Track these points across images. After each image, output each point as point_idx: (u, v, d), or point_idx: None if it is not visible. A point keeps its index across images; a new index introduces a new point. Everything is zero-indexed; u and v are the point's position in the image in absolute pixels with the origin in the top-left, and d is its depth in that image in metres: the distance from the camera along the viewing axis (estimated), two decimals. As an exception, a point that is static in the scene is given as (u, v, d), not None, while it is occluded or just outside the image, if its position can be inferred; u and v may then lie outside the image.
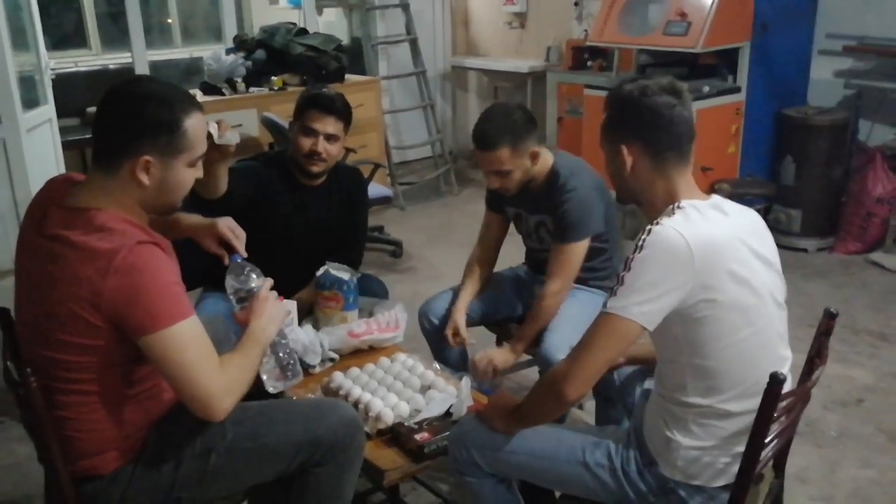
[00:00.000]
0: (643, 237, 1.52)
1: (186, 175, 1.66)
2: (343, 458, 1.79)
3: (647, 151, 1.61)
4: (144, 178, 1.58)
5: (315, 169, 2.54)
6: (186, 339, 1.53)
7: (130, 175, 1.57)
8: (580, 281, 2.50)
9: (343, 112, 2.55)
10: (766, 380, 1.45)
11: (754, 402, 1.48)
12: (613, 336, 1.54)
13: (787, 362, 1.66)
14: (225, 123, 2.06)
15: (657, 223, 1.53)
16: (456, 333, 2.51)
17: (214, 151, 2.12)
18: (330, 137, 2.51)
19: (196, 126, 1.63)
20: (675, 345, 1.59)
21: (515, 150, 2.34)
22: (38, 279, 1.58)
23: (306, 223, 2.60)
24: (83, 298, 1.50)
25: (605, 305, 1.55)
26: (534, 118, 2.43)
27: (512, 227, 2.70)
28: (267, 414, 1.78)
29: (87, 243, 1.51)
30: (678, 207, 1.57)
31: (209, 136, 2.08)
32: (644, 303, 1.50)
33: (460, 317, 2.53)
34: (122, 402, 1.63)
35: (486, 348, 2.50)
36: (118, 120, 1.58)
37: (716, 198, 1.63)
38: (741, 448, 1.54)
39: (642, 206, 1.68)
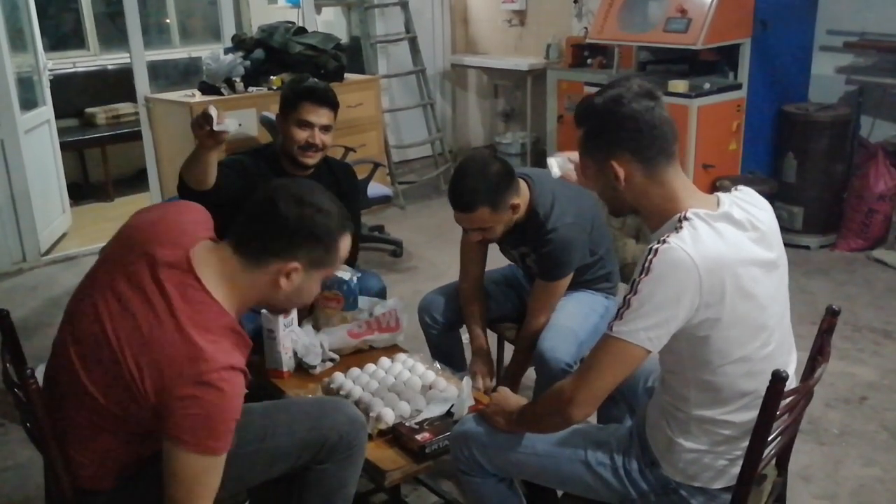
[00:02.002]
0: (650, 258, 1.46)
1: (317, 288, 1.65)
2: (347, 455, 1.80)
3: (637, 161, 1.54)
4: (285, 283, 1.55)
5: (310, 160, 2.59)
6: (197, 471, 1.45)
7: (274, 275, 1.54)
8: (575, 285, 2.47)
9: (335, 102, 2.63)
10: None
11: (757, 413, 1.47)
12: (619, 360, 1.51)
13: (790, 367, 1.64)
14: (223, 110, 2.08)
15: (664, 241, 1.46)
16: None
17: (209, 138, 2.14)
18: (324, 128, 2.58)
19: (344, 246, 1.62)
20: (680, 359, 1.57)
21: (495, 210, 2.22)
22: (120, 311, 1.49)
23: None
24: (147, 369, 1.44)
25: (610, 328, 1.50)
26: (510, 168, 2.27)
27: None
28: (271, 416, 1.78)
29: (190, 335, 1.44)
30: (685, 219, 1.50)
31: (209, 120, 2.09)
32: (651, 328, 1.46)
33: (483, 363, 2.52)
34: (132, 438, 1.58)
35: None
36: (286, 223, 1.53)
37: (725, 203, 1.56)
38: (741, 452, 1.53)
39: (642, 215, 1.63)
